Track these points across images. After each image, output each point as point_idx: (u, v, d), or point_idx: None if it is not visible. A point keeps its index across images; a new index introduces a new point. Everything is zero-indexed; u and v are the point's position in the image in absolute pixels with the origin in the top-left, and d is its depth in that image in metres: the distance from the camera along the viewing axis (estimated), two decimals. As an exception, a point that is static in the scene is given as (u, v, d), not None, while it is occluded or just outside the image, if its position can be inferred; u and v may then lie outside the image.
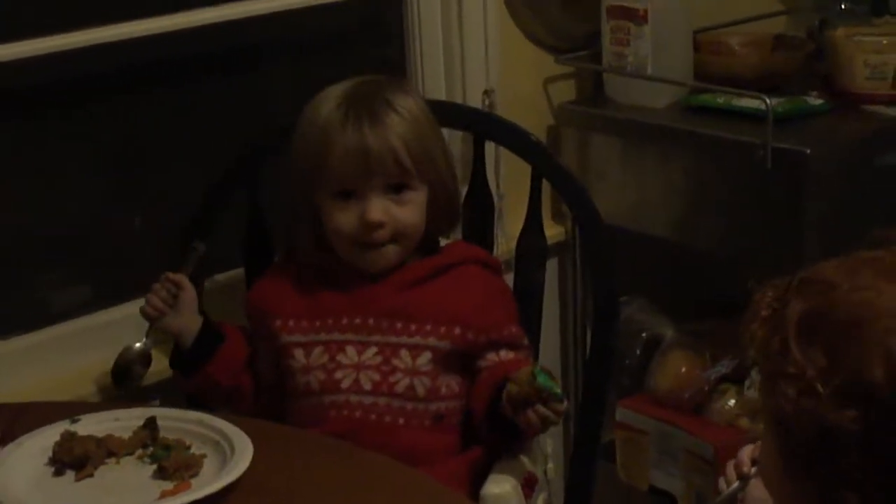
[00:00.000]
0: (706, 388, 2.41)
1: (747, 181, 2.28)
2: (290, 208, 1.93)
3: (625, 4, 2.39)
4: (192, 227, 2.09)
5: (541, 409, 1.73)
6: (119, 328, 2.06)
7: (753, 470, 1.41)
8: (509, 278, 2.08)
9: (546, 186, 2.10)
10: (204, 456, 1.62)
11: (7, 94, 2.05)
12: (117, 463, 1.63)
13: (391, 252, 1.89)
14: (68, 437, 1.64)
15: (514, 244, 2.13)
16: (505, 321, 1.90)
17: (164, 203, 2.25)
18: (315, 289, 1.91)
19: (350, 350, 1.88)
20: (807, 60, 2.50)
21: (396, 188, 1.87)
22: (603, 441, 2.15)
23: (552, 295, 2.55)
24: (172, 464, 1.59)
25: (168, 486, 1.57)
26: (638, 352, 2.53)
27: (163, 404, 1.91)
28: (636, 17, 2.38)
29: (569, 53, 2.53)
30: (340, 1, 2.32)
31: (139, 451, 1.65)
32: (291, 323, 1.90)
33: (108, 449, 1.64)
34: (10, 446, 1.63)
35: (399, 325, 1.87)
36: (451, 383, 1.89)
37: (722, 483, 1.48)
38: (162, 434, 1.66)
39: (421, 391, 1.87)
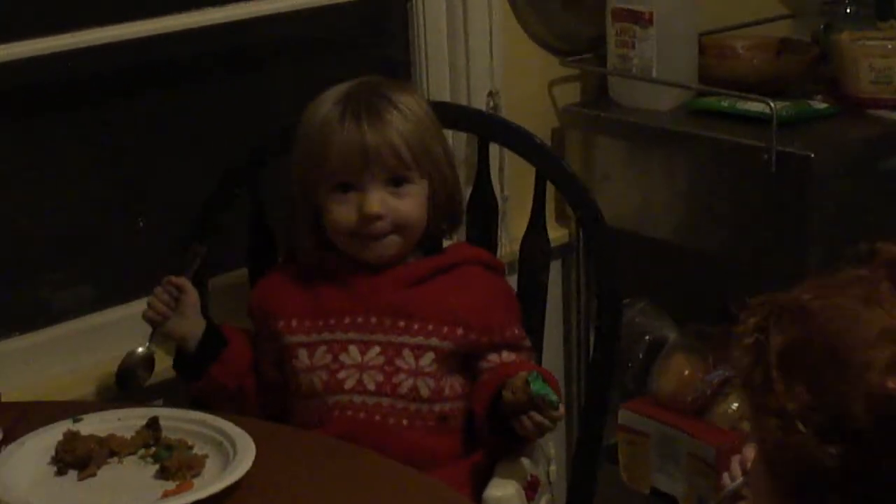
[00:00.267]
0: (709, 392, 2.40)
1: (751, 185, 2.28)
2: (290, 208, 1.93)
3: (630, 7, 2.39)
4: (195, 228, 2.09)
5: (535, 416, 1.73)
6: (122, 328, 2.07)
7: None
8: (513, 280, 2.08)
9: (550, 188, 2.10)
10: (206, 456, 1.62)
11: (8, 94, 2.05)
12: (120, 463, 1.63)
13: (393, 242, 1.88)
14: (71, 437, 1.64)
15: (517, 246, 2.13)
16: (507, 323, 1.90)
17: (167, 204, 2.25)
18: (317, 288, 1.91)
19: (353, 350, 1.88)
20: (811, 64, 2.50)
21: (396, 181, 1.87)
22: (605, 443, 2.15)
23: (555, 297, 2.55)
24: (175, 464, 1.59)
25: (170, 486, 1.57)
26: (641, 354, 2.53)
27: (165, 405, 1.91)
28: (641, 19, 2.38)
29: (573, 56, 2.53)
30: (345, 2, 2.32)
31: (142, 451, 1.65)
32: (294, 323, 1.90)
33: (110, 449, 1.64)
34: (13, 446, 1.63)
35: (402, 324, 1.87)
36: (454, 384, 1.89)
37: (726, 478, 1.47)
38: (164, 434, 1.66)
39: (425, 392, 1.87)
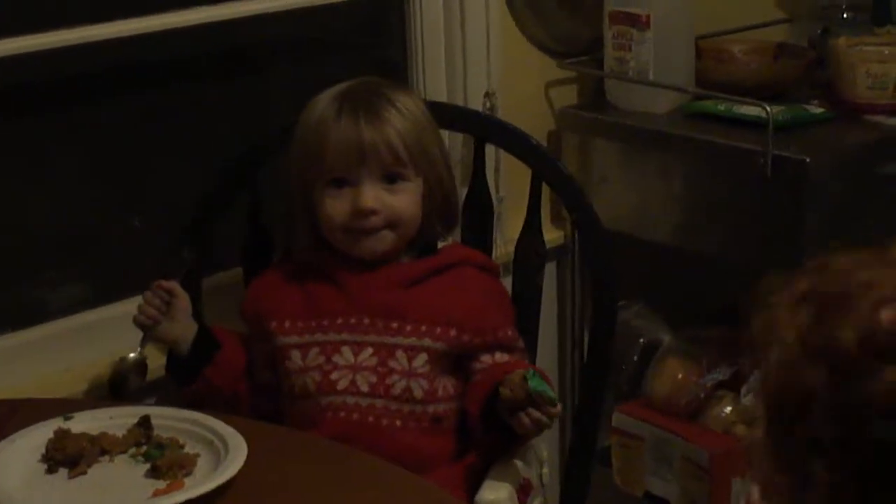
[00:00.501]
0: (703, 395, 2.40)
1: (747, 188, 2.28)
2: (286, 207, 1.93)
3: (627, 10, 2.39)
4: (188, 229, 2.08)
5: (533, 412, 1.72)
6: (116, 326, 2.06)
7: None
8: (507, 281, 2.08)
9: (546, 190, 2.09)
10: (198, 455, 1.61)
11: (3, 91, 2.05)
12: (111, 461, 1.63)
13: (387, 237, 1.88)
14: (62, 435, 1.63)
15: (512, 247, 2.12)
16: (501, 324, 1.90)
17: (162, 202, 2.25)
18: (310, 289, 1.91)
19: (346, 351, 1.88)
20: (808, 69, 2.49)
21: (390, 178, 1.87)
22: (599, 446, 2.15)
23: (550, 298, 2.54)
24: (166, 463, 1.59)
25: (161, 484, 1.56)
26: (635, 357, 2.52)
27: (157, 403, 1.90)
28: (638, 22, 2.38)
29: (571, 58, 2.53)
30: (341, 1, 2.32)
31: (133, 450, 1.64)
32: (287, 324, 1.90)
33: (101, 447, 1.63)
34: (3, 443, 1.62)
35: (395, 325, 1.87)
36: (447, 385, 1.88)
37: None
38: (156, 433, 1.66)
39: (418, 393, 1.86)
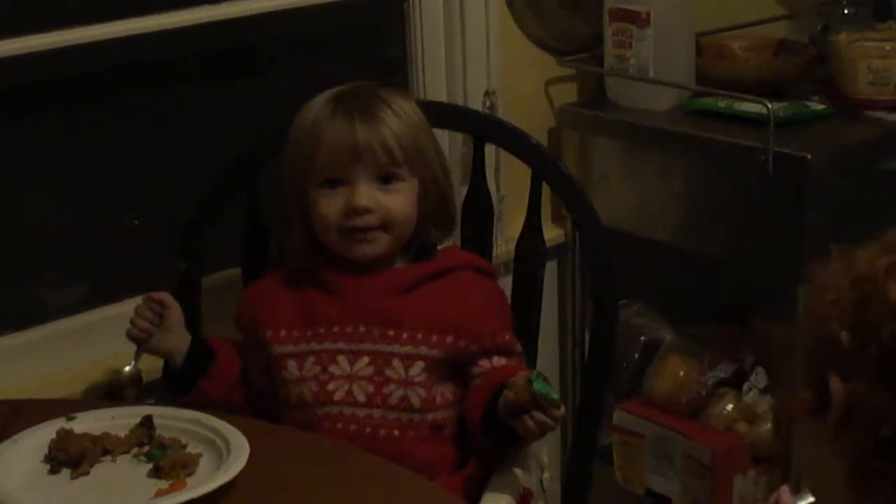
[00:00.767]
0: (704, 393, 2.40)
1: (748, 185, 2.28)
2: (280, 211, 1.91)
3: (627, 7, 2.39)
4: (191, 228, 2.08)
5: (538, 415, 1.71)
6: (115, 326, 2.05)
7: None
8: (508, 280, 2.08)
9: (546, 189, 2.09)
10: (200, 455, 1.61)
11: (2, 92, 2.05)
12: (113, 461, 1.63)
13: (381, 239, 1.86)
14: (64, 435, 1.63)
15: (513, 246, 2.12)
16: (499, 329, 1.88)
17: (161, 202, 2.25)
18: (306, 297, 1.89)
19: (342, 360, 1.86)
20: (809, 65, 2.49)
21: (385, 178, 1.85)
22: (600, 444, 2.15)
23: (551, 297, 2.54)
24: (168, 462, 1.58)
25: (163, 484, 1.56)
26: (636, 355, 2.52)
27: (158, 404, 1.90)
28: (638, 19, 2.38)
29: (570, 55, 2.53)
30: (342, 2, 2.31)
31: (135, 450, 1.64)
32: (283, 333, 1.88)
33: (103, 447, 1.63)
34: (6, 443, 1.62)
35: (391, 332, 1.84)
36: (445, 392, 1.86)
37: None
38: (158, 433, 1.66)
39: (416, 402, 1.84)
